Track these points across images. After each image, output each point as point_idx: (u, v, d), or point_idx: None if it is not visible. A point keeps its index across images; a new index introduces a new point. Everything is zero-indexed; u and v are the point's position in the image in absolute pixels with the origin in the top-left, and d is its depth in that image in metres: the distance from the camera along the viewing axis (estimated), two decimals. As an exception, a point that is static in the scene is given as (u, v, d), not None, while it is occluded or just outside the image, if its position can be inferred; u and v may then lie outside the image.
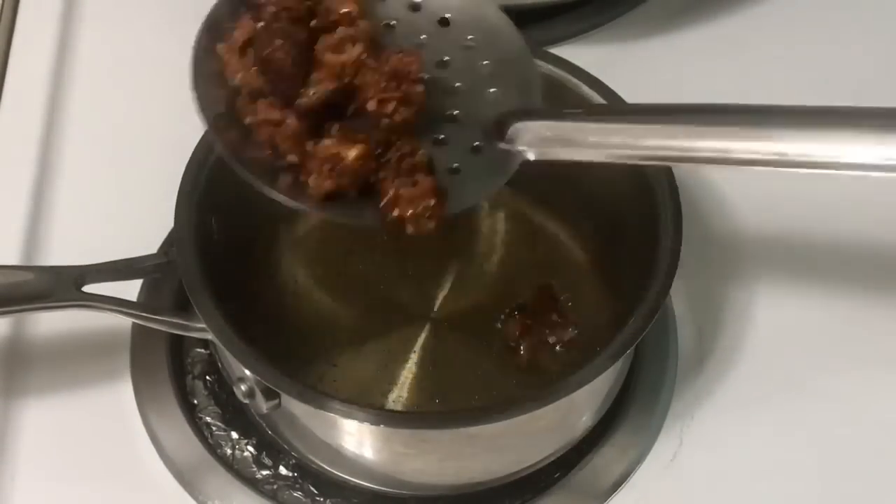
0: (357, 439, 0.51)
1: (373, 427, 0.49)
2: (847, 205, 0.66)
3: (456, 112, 0.50)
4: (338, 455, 0.52)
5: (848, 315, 0.61)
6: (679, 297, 0.60)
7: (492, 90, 0.51)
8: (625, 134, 0.48)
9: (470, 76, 0.51)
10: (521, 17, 0.72)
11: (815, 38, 0.74)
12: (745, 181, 0.66)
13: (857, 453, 0.57)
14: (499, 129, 0.50)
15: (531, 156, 0.49)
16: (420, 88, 0.47)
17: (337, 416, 0.48)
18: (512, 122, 0.50)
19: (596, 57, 0.71)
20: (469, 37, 0.51)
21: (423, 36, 0.51)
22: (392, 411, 0.53)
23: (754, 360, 0.60)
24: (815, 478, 0.57)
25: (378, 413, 0.49)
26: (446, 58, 0.51)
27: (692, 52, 0.73)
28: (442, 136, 0.49)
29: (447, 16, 0.52)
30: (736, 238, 0.64)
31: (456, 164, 0.49)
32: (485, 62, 0.51)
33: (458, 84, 0.50)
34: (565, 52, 0.71)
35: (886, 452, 0.57)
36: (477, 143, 0.50)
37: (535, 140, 0.50)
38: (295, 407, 0.50)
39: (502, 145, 0.50)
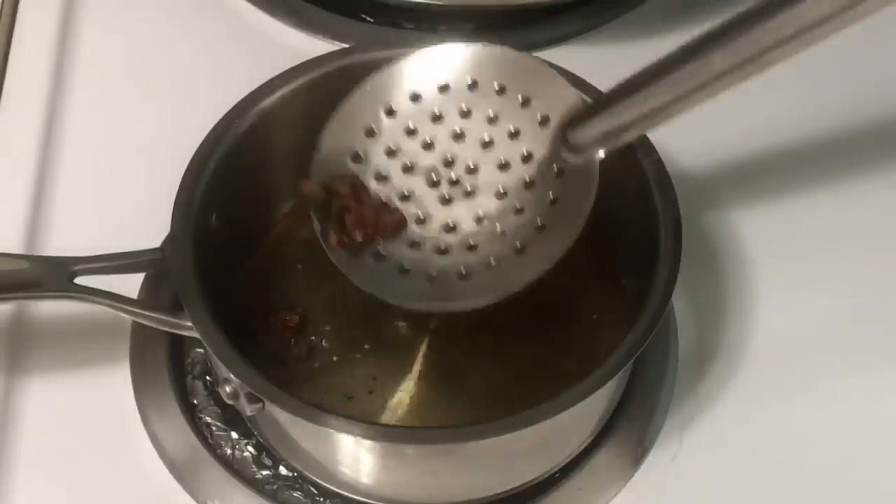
0: (335, 447, 0.51)
1: (348, 437, 0.48)
2: (848, 204, 0.66)
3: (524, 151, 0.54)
4: (318, 463, 0.53)
5: (850, 315, 0.61)
6: (679, 297, 0.60)
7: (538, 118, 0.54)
8: (659, 95, 0.49)
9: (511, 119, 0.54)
10: (521, 18, 0.73)
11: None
12: (746, 183, 0.66)
13: (859, 453, 0.57)
14: (566, 143, 0.53)
15: (602, 153, 0.52)
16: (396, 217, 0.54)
17: (314, 424, 0.48)
18: (572, 130, 0.52)
19: (596, 57, 0.71)
20: (495, 84, 0.55)
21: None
22: (367, 422, 0.52)
23: (755, 360, 0.60)
24: (816, 478, 0.57)
25: (349, 422, 0.48)
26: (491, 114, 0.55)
27: (692, 53, 0.73)
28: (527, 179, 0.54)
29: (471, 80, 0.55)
30: (736, 238, 0.64)
31: (553, 195, 0.53)
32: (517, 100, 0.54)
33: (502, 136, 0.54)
34: (565, 52, 0.72)
35: (888, 453, 0.57)
36: (556, 166, 0.53)
37: (598, 138, 0.52)
38: (277, 412, 0.50)
39: (575, 157, 0.52)
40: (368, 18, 0.73)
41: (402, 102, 0.55)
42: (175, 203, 0.52)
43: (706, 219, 0.64)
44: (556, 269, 0.61)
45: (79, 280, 0.52)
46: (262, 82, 0.57)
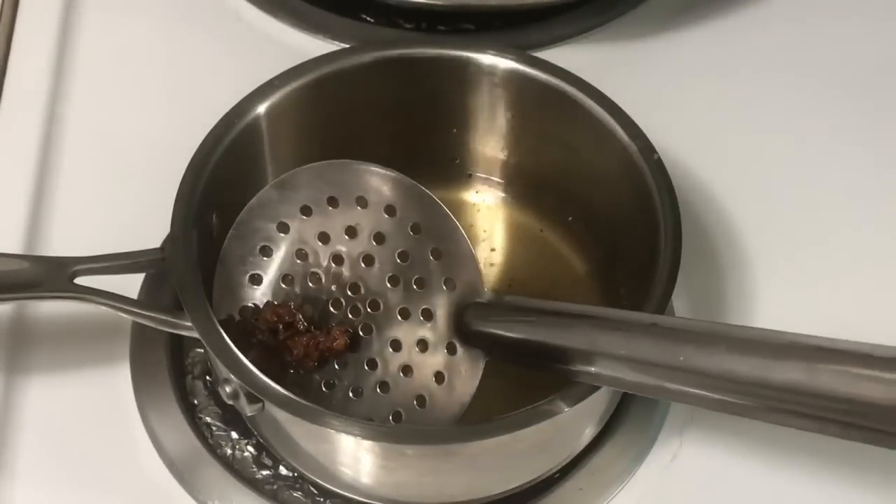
0: (335, 448, 0.51)
1: (348, 437, 0.48)
2: (848, 204, 0.66)
3: (425, 328, 0.55)
4: (318, 463, 0.53)
5: (849, 315, 0.61)
6: (679, 297, 0.60)
7: (443, 290, 0.55)
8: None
9: (418, 276, 0.55)
10: (521, 17, 0.73)
11: (815, 39, 0.74)
12: (746, 183, 0.66)
13: (859, 453, 0.57)
14: (462, 334, 0.54)
15: (484, 360, 0.54)
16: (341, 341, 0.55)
17: (314, 424, 0.48)
18: (471, 325, 0.54)
19: (596, 57, 0.71)
20: (410, 231, 0.55)
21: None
22: (367, 422, 0.52)
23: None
24: (815, 478, 0.57)
25: (349, 422, 0.48)
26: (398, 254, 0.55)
27: (692, 52, 0.73)
28: (419, 347, 0.55)
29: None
30: (736, 237, 0.64)
31: (439, 370, 0.54)
32: (430, 260, 0.55)
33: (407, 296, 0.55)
34: (565, 52, 0.72)
35: (888, 455, 0.57)
36: (446, 349, 0.54)
37: (484, 343, 0.53)
38: (277, 412, 0.50)
39: (469, 349, 0.54)
40: (368, 18, 0.73)
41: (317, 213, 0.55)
42: (175, 203, 0.52)
43: (706, 219, 0.64)
44: (556, 269, 0.61)
45: (79, 280, 0.52)
46: (262, 82, 0.57)
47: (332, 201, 0.55)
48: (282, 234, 0.55)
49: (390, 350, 0.55)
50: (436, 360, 0.54)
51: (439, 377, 0.54)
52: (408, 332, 0.55)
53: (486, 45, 0.59)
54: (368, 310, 0.55)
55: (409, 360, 0.54)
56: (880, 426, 0.40)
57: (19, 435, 0.56)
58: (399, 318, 0.55)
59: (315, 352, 0.54)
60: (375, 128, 0.61)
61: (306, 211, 0.55)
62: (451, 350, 0.54)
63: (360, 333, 0.55)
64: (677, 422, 0.58)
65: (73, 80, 0.69)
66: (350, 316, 0.55)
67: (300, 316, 0.55)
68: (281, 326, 0.55)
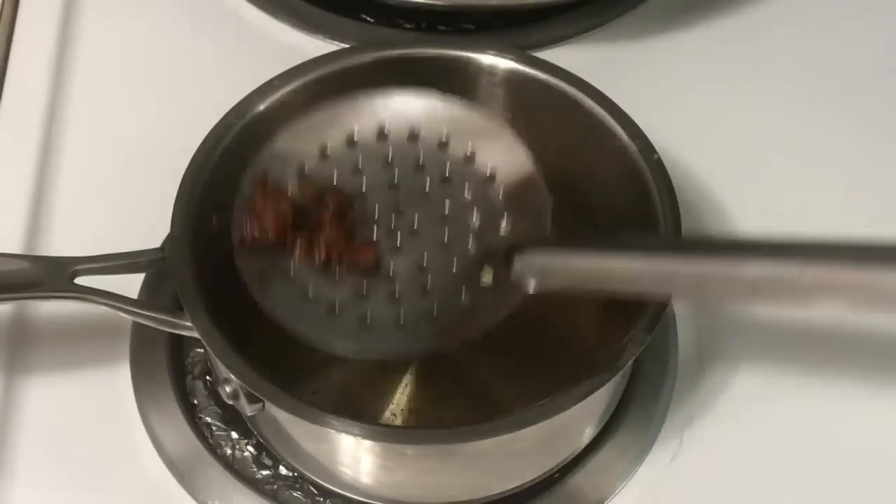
0: (335, 447, 0.51)
1: (348, 437, 0.48)
2: (849, 203, 0.66)
3: (467, 243, 0.52)
4: (318, 463, 0.53)
5: (850, 315, 0.61)
6: (679, 297, 0.60)
7: (502, 220, 0.52)
8: (628, 268, 0.49)
9: (476, 199, 0.53)
10: (521, 17, 0.73)
11: (815, 39, 0.74)
12: (745, 183, 0.66)
13: (858, 454, 0.57)
14: (508, 260, 0.51)
15: (532, 289, 0.50)
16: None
17: (314, 424, 0.48)
18: (521, 253, 0.50)
19: (596, 57, 0.72)
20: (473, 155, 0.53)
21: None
22: (367, 422, 0.51)
23: (755, 360, 0.60)
24: (815, 479, 0.57)
25: (349, 422, 0.48)
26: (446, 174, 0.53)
27: (692, 53, 0.73)
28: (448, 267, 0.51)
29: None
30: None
31: (462, 296, 0.50)
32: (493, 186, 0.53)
33: (461, 210, 0.52)
34: (565, 52, 0.72)
35: (887, 453, 0.57)
36: (483, 273, 0.51)
37: (540, 273, 0.50)
38: (277, 412, 0.50)
39: (511, 277, 0.50)
40: (368, 18, 0.73)
41: (367, 137, 0.53)
42: (175, 203, 0.53)
43: (706, 219, 0.64)
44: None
45: (79, 280, 0.52)
46: (262, 82, 0.57)
47: (413, 137, 0.53)
48: (347, 147, 0.53)
49: (415, 270, 0.51)
50: (464, 285, 0.51)
51: (463, 301, 0.50)
52: (443, 259, 0.51)
53: (486, 45, 0.59)
54: (405, 234, 0.52)
55: (432, 283, 0.51)
56: None
57: (19, 435, 0.56)
58: (439, 247, 0.52)
59: (337, 253, 0.51)
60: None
61: (382, 136, 0.53)
62: (484, 281, 0.51)
63: (388, 251, 0.52)
64: (677, 422, 0.58)
65: (73, 80, 0.69)
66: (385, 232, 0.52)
67: (350, 216, 0.52)
68: (332, 209, 0.52)
